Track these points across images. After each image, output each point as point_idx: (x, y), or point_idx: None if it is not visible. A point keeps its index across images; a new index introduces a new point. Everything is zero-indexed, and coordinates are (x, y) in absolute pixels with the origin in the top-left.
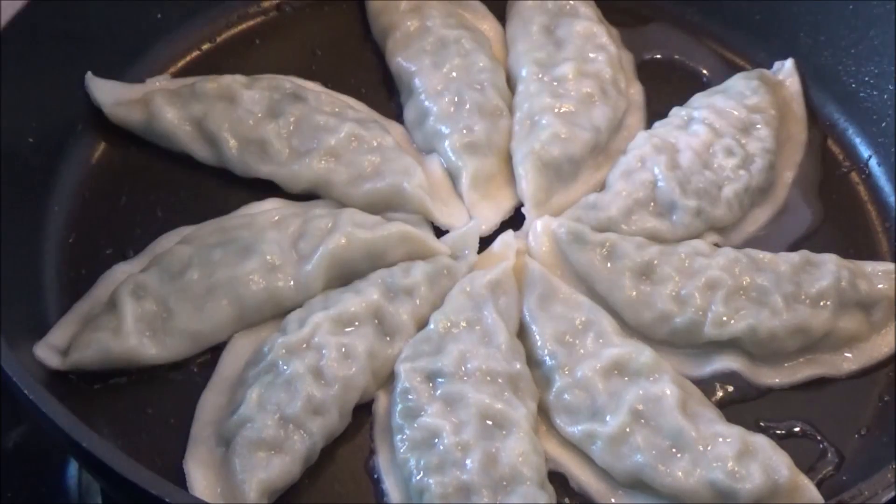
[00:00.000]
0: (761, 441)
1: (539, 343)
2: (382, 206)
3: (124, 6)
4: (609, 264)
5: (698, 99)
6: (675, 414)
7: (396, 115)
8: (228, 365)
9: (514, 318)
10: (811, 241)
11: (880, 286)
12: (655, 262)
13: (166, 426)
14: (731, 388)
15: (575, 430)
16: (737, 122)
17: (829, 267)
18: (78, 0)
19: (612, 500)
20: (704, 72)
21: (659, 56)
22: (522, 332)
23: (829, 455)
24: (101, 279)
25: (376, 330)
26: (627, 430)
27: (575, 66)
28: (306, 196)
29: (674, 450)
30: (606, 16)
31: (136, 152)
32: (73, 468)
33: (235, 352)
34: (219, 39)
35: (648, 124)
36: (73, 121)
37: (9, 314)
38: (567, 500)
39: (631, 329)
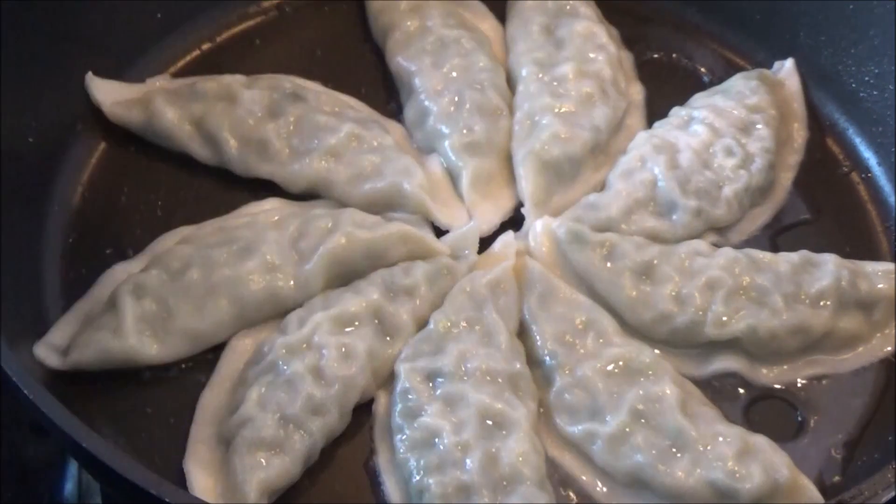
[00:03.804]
0: (761, 441)
1: (539, 343)
2: (382, 206)
3: (124, 6)
4: (609, 264)
5: (698, 99)
6: (675, 414)
7: (396, 115)
8: (228, 365)
9: (515, 317)
10: (811, 241)
11: (880, 286)
12: (655, 262)
13: (166, 426)
14: (731, 388)
15: (575, 429)
16: (737, 122)
17: (829, 267)
18: (78, 0)
19: (613, 500)
20: (704, 72)
21: (659, 56)
22: (523, 332)
23: (829, 455)
24: (101, 279)
25: (376, 330)
26: (627, 429)
27: (575, 66)
28: (306, 196)
29: (674, 450)
30: (606, 16)
31: (136, 152)
32: (72, 468)
33: (235, 352)
34: (219, 39)
35: (648, 124)
36: (73, 121)
37: (9, 314)
38: (567, 500)
39: (631, 329)
